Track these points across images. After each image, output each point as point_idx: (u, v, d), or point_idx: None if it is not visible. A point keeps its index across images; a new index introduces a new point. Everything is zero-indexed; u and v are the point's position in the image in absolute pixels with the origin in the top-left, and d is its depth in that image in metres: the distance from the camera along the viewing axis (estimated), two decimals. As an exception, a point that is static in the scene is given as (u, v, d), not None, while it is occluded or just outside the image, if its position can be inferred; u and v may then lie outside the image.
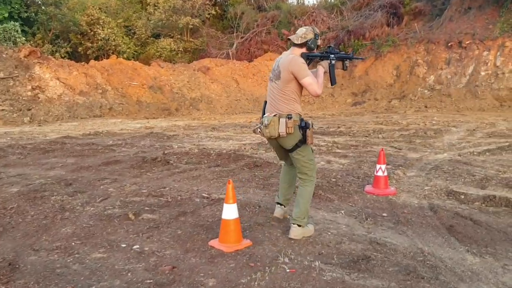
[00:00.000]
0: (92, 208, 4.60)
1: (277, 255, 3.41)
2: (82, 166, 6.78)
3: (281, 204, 4.18)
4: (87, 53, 21.73)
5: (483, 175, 5.98)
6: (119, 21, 23.48)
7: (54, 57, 18.39)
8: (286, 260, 3.33)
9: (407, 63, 21.64)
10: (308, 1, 32.31)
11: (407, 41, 22.50)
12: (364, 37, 24.06)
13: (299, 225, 3.75)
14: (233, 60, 24.59)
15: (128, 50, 22.58)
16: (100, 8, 24.08)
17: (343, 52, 4.12)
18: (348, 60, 4.06)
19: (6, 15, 18.25)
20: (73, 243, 3.70)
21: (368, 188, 5.31)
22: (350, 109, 19.11)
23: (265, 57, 25.39)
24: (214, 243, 3.64)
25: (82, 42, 21.88)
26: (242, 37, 27.68)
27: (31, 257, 3.43)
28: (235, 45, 27.17)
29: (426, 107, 18.23)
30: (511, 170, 6.31)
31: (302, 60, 3.66)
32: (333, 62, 3.86)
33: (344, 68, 4.09)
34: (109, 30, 21.62)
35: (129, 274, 3.11)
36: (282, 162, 4.20)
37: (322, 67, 3.80)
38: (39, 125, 12.94)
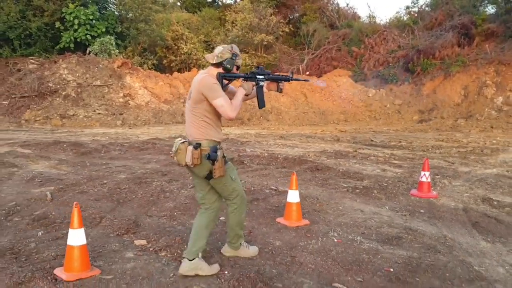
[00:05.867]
0: (185, 192, 5.88)
1: (328, 231, 4.46)
2: (172, 162, 8.14)
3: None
4: (171, 65, 23.77)
5: (524, 188, 6.65)
6: (200, 37, 25.38)
7: (142, 68, 20.49)
8: (335, 234, 4.38)
9: (475, 84, 21.70)
10: (381, 20, 32.68)
11: (477, 62, 22.52)
12: (433, 57, 24.31)
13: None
14: (303, 75, 25.71)
15: (207, 63, 24.29)
16: (183, 24, 26.16)
17: (278, 74, 3.87)
18: (283, 81, 3.73)
19: (104, 29, 20.64)
20: (175, 213, 4.97)
21: (413, 191, 6.19)
22: (415, 126, 19.52)
23: (333, 73, 26.25)
24: (280, 220, 4.75)
25: (167, 55, 23.97)
26: (312, 54, 28.74)
27: (147, 220, 4.72)
28: (305, 61, 28.29)
29: (492, 127, 18.29)
30: (553, 186, 6.90)
31: (214, 81, 3.35)
32: (261, 83, 3.61)
33: (278, 90, 3.71)
34: (191, 45, 23.55)
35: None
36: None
37: (242, 89, 3.48)
38: (130, 128, 14.76)
